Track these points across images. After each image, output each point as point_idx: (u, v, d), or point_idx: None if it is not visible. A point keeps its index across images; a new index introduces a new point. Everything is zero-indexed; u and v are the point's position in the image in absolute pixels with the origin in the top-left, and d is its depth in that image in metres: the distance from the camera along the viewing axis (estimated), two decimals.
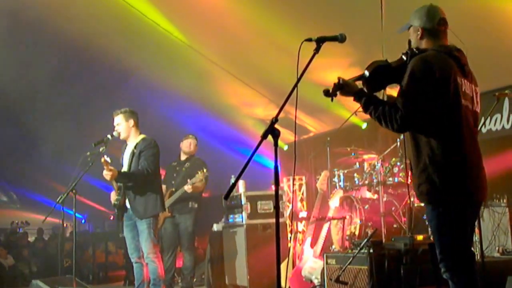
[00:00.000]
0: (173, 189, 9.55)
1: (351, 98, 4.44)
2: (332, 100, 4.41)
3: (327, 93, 4.37)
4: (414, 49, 4.42)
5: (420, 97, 4.14)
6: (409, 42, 4.55)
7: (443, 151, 4.18)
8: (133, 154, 7.94)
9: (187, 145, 10.01)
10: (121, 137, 8.00)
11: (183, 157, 9.97)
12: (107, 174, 7.55)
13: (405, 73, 4.26)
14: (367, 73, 4.38)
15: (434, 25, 4.45)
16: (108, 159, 7.48)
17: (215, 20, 9.33)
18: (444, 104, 4.18)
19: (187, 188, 9.49)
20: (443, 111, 4.18)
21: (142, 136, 8.09)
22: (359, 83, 4.46)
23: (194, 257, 10.00)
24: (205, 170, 9.54)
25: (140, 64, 10.93)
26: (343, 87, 4.37)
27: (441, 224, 4.23)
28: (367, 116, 4.48)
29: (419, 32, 4.48)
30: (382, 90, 4.57)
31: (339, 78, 4.40)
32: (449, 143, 4.20)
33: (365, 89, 4.43)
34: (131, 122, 8.01)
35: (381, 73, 4.38)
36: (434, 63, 4.19)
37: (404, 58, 4.40)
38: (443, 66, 4.21)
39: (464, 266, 4.24)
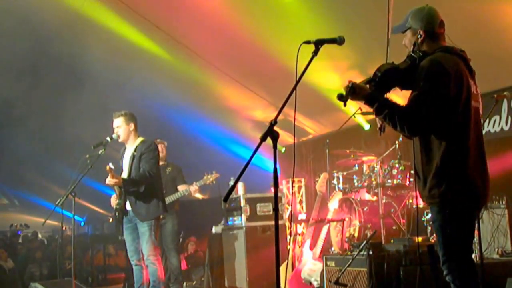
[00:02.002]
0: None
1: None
2: (345, 104, 4.36)
3: (340, 97, 4.31)
4: (419, 52, 4.39)
5: (435, 100, 4.13)
6: (414, 44, 4.48)
7: (455, 155, 4.18)
8: (133, 157, 7.93)
9: (160, 150, 10.07)
10: (120, 139, 7.99)
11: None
12: (111, 181, 7.57)
13: (413, 75, 4.27)
14: (378, 74, 4.38)
15: (435, 28, 4.44)
16: (113, 166, 7.51)
17: (215, 23, 9.36)
18: (458, 106, 4.18)
19: (194, 189, 9.76)
20: (457, 113, 4.18)
21: (141, 138, 8.09)
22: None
23: (179, 255, 10.23)
24: (214, 172, 9.71)
25: (139, 66, 10.94)
26: (354, 91, 4.30)
27: (447, 226, 4.23)
28: (371, 117, 4.50)
29: (420, 35, 4.44)
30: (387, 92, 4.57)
31: (350, 82, 4.34)
32: (460, 146, 4.20)
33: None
34: (132, 125, 8.01)
35: (390, 76, 4.38)
36: (448, 65, 4.18)
37: (409, 60, 4.39)
38: (456, 67, 4.21)
39: (467, 268, 4.24)
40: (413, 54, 4.39)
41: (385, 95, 4.45)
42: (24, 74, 11.13)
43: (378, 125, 4.77)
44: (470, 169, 4.19)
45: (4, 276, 13.44)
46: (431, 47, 4.40)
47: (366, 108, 4.74)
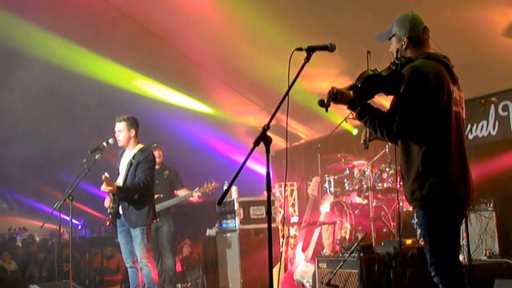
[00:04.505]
0: (160, 195, 9.67)
1: (343, 106, 4.48)
2: (326, 110, 4.42)
3: (322, 103, 4.38)
4: (402, 58, 4.45)
5: (416, 105, 4.20)
6: (397, 51, 4.55)
7: (435, 158, 4.26)
8: (130, 164, 8.00)
9: (158, 155, 10.21)
10: (120, 144, 8.07)
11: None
12: (105, 188, 7.65)
13: (395, 81, 4.32)
14: (358, 82, 4.41)
15: (419, 34, 4.51)
16: (108, 176, 7.60)
17: (208, 29, 9.43)
18: (438, 111, 4.25)
19: (196, 195, 9.96)
20: (436, 118, 4.25)
21: (140, 146, 8.15)
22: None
23: (175, 256, 10.36)
24: (214, 182, 9.90)
25: (135, 71, 11.03)
26: (336, 97, 4.36)
27: (433, 229, 4.32)
28: (358, 123, 4.55)
29: (404, 42, 4.53)
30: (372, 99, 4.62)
31: (332, 88, 4.40)
32: (440, 151, 4.27)
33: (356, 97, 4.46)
34: (133, 131, 8.08)
35: (372, 83, 4.40)
36: (429, 72, 4.24)
37: (393, 67, 4.44)
38: (437, 74, 4.28)
39: (454, 270, 4.32)
40: (396, 61, 4.44)
41: (369, 101, 4.50)
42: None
43: (362, 141, 4.98)
44: (451, 172, 4.27)
45: (7, 278, 13.51)
46: (415, 53, 4.49)
47: None
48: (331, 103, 4.39)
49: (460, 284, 4.31)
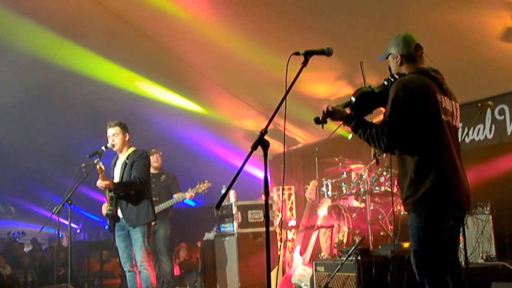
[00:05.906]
0: (156, 198, 9.69)
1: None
2: (322, 127, 4.71)
3: (317, 120, 4.68)
4: (395, 75, 4.70)
5: (402, 118, 4.37)
6: (389, 68, 4.83)
7: (427, 166, 4.39)
8: (125, 164, 8.01)
9: (155, 159, 10.26)
10: (116, 148, 8.05)
11: (153, 170, 9.76)
12: (101, 183, 7.64)
13: (386, 97, 4.51)
14: (353, 99, 4.68)
15: (411, 51, 4.72)
16: (103, 167, 7.56)
17: (206, 35, 9.46)
18: (425, 121, 4.40)
19: (189, 195, 9.99)
20: (425, 128, 4.41)
21: (132, 148, 8.18)
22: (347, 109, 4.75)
23: (172, 260, 10.37)
24: (206, 181, 9.94)
25: (134, 76, 11.06)
26: (332, 114, 4.66)
27: (420, 229, 4.42)
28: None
29: (398, 59, 4.76)
30: (370, 114, 4.86)
31: (328, 106, 4.67)
32: (432, 158, 4.40)
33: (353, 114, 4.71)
34: (127, 135, 8.12)
35: (366, 99, 4.68)
36: (412, 85, 4.44)
37: (386, 83, 4.69)
38: (422, 86, 4.46)
39: (435, 270, 4.43)
40: (389, 77, 4.71)
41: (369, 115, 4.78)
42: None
43: (372, 156, 5.46)
44: (443, 178, 4.38)
45: (2, 282, 13.52)
46: (409, 69, 4.70)
47: None
48: (328, 120, 4.68)
49: (443, 283, 4.44)
